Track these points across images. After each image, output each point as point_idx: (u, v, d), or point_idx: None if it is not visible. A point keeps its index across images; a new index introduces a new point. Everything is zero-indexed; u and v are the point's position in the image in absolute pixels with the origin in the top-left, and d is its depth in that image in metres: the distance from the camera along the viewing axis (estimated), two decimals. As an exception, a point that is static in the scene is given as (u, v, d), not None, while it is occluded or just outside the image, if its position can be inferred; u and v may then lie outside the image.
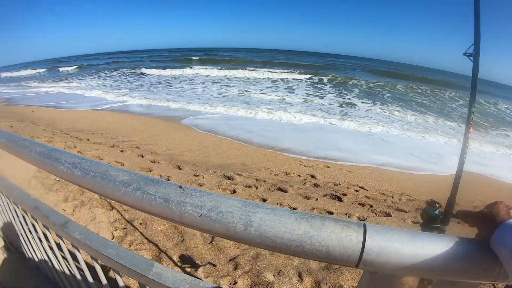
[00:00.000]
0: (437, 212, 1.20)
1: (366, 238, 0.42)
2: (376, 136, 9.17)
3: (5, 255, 2.38)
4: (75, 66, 50.44)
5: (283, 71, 28.64)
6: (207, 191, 0.53)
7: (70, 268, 1.34)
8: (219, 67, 32.63)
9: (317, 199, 4.14)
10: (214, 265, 2.62)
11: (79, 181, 0.73)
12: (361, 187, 4.90)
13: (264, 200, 4.03)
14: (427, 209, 1.46)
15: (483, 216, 0.53)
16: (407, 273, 0.44)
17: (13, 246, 2.28)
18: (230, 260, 2.68)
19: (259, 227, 0.45)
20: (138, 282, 0.82)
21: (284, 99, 15.33)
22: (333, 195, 4.35)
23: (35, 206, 1.19)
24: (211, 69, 30.64)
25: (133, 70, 33.28)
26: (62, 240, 1.14)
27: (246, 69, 29.16)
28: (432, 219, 1.30)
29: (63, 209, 3.47)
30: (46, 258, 1.60)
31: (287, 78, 24.21)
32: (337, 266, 2.57)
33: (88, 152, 5.80)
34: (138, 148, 6.62)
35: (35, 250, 1.71)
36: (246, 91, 17.81)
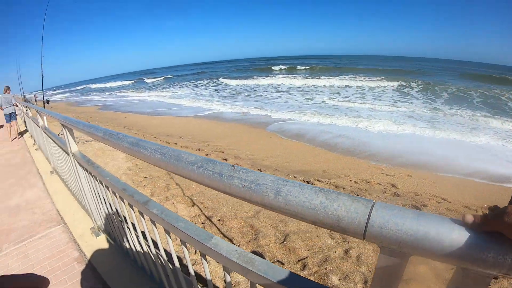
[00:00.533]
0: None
1: (372, 212, 0.52)
2: (465, 144, 8.44)
3: (94, 235, 2.83)
4: (161, 77, 56.40)
5: (367, 77, 28.23)
6: (251, 169, 0.69)
7: (147, 244, 1.61)
8: (303, 75, 33.49)
9: None
10: (282, 264, 2.78)
11: (158, 162, 0.96)
12: (443, 199, 4.63)
13: None
14: (488, 216, 1.41)
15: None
16: (408, 250, 0.50)
17: (101, 227, 2.71)
18: (298, 260, 2.80)
19: (286, 196, 0.59)
20: (200, 251, 1.02)
21: (370, 106, 14.97)
22: (413, 205, 4.20)
23: (123, 188, 1.49)
24: (294, 77, 31.72)
25: (218, 80, 36.08)
26: (143, 216, 1.41)
27: (329, 77, 29.36)
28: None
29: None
30: (129, 235, 1.92)
31: (372, 85, 23.58)
32: (406, 277, 2.53)
33: None
34: (223, 152, 7.16)
35: (119, 229, 2.06)
36: (331, 98, 18.00)
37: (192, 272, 1.24)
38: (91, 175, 2.17)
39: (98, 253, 2.61)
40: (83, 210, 3.36)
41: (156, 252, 1.62)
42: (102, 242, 2.73)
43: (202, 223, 3.49)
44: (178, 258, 1.36)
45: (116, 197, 1.71)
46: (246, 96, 22.00)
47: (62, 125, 2.44)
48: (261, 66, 57.72)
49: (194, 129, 10.59)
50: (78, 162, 2.46)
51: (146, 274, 2.04)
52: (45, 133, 4.41)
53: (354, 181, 5.30)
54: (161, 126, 11.26)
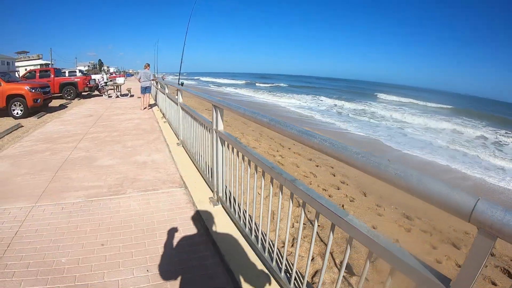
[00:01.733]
0: None
1: (477, 203, 0.90)
2: None
3: (212, 204, 3.53)
4: (272, 84, 61.07)
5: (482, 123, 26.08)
6: (399, 163, 1.13)
7: (273, 216, 2.16)
8: (417, 109, 33.07)
9: (486, 266, 4.08)
10: (367, 280, 3.11)
11: (325, 149, 1.45)
12: None
13: (434, 248, 4.34)
14: None
15: None
16: (496, 232, 0.82)
17: (221, 199, 3.37)
18: (381, 282, 3.08)
19: (425, 184, 1.00)
20: (332, 223, 1.49)
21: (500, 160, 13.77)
22: (505, 269, 4.14)
23: (271, 166, 2.05)
24: (406, 110, 31.30)
25: (334, 98, 38.19)
26: (281, 192, 1.95)
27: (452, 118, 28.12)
28: None
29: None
30: (246, 210, 2.50)
31: (490, 136, 21.47)
32: None
33: (288, 158, 7.47)
34: (332, 168, 7.75)
35: (238, 204, 2.66)
36: (453, 141, 17.17)
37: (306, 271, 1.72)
38: (233, 151, 2.83)
39: (213, 218, 3.33)
40: (204, 181, 4.18)
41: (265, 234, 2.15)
42: (218, 211, 3.45)
43: (304, 224, 3.96)
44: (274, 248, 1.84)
45: (256, 172, 2.30)
46: (367, 120, 22.75)
47: (214, 106, 3.19)
48: (367, 91, 61.31)
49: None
50: (220, 139, 3.19)
51: (256, 248, 2.58)
52: (182, 109, 5.45)
53: (453, 229, 5.29)
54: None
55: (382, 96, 49.93)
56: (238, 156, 2.73)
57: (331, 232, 1.57)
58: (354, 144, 12.34)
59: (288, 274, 2.14)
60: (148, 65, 12.31)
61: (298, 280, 2.07)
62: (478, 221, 0.91)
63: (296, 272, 2.01)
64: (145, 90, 11.95)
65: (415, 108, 36.03)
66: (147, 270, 2.48)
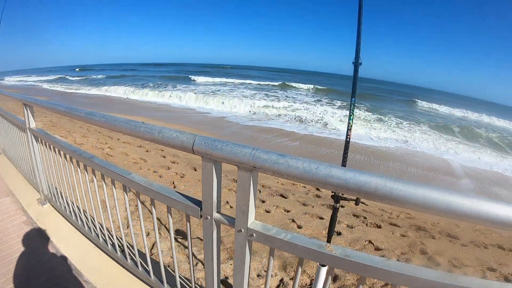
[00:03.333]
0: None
1: (196, 138, 1.20)
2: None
3: (40, 205, 3.33)
4: (84, 77, 55.27)
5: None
6: (152, 124, 1.35)
7: (87, 185, 2.21)
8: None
9: (313, 207, 4.83)
10: (201, 240, 3.40)
11: (103, 124, 1.61)
12: (362, 202, 5.44)
13: (263, 202, 4.85)
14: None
15: None
16: (214, 157, 1.16)
17: (47, 197, 3.19)
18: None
19: (163, 135, 1.27)
20: (122, 184, 1.66)
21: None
22: (331, 205, 4.97)
23: (74, 150, 2.09)
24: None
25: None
26: (86, 171, 2.03)
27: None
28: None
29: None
30: (72, 200, 2.49)
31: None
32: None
33: (117, 149, 7.14)
34: (163, 150, 7.80)
35: (64, 196, 2.62)
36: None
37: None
38: (48, 147, 2.71)
39: (43, 217, 3.14)
40: (30, 185, 3.83)
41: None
42: (47, 209, 3.26)
43: (136, 205, 4.06)
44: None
45: (73, 163, 2.30)
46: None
47: (24, 104, 2.95)
48: (180, 74, 57.74)
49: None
50: (34, 136, 2.98)
51: (85, 233, 2.61)
52: (-3, 113, 4.74)
53: (281, 183, 6.05)
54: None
55: (194, 77, 48.87)
56: (51, 150, 2.64)
57: (125, 193, 1.75)
58: (208, 123, 13.21)
59: (123, 251, 2.23)
60: None
61: (132, 255, 2.18)
62: (198, 151, 1.20)
63: (127, 245, 2.13)
64: None
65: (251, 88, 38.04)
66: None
